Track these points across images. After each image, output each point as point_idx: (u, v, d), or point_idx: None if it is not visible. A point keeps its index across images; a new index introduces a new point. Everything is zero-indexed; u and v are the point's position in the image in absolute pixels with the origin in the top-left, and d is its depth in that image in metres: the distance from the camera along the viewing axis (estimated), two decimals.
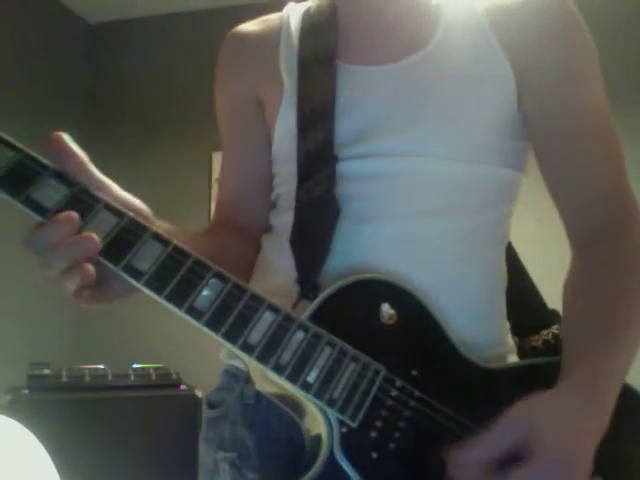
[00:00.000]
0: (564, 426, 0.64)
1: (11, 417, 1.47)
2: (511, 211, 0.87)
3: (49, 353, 2.51)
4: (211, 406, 0.89)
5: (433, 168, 0.80)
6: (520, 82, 0.81)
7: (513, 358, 0.84)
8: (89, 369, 2.26)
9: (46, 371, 2.18)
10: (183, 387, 2.26)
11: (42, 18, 3.03)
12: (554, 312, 0.86)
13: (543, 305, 0.89)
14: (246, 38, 0.94)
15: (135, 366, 2.32)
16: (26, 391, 2.07)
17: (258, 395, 0.81)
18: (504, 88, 0.81)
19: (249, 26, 0.96)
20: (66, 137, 0.66)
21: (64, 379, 2.16)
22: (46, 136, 0.64)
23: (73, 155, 0.66)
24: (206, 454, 0.87)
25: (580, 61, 0.82)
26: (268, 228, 0.91)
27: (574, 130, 0.81)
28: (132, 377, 2.25)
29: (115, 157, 3.15)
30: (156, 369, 2.31)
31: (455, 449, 0.65)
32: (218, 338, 0.66)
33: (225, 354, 0.88)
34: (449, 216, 0.80)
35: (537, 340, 0.84)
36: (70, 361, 2.55)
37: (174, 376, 2.29)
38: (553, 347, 0.81)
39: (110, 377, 2.22)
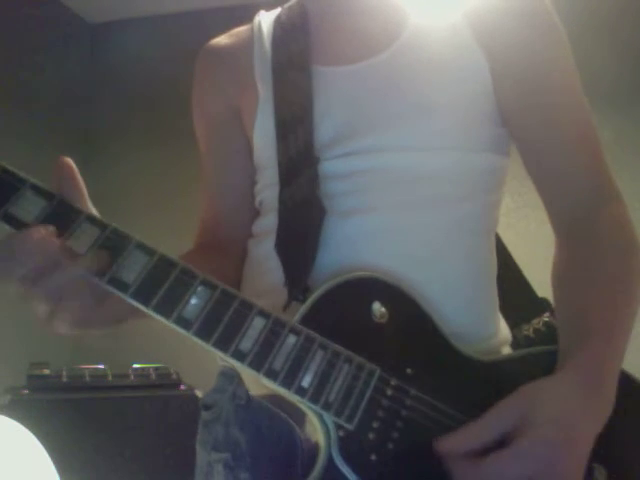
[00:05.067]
0: (562, 412, 0.64)
1: (11, 417, 1.47)
2: (499, 199, 0.88)
3: (49, 353, 2.50)
4: (206, 408, 0.89)
5: (414, 160, 0.80)
6: (493, 68, 0.81)
7: (507, 349, 0.84)
8: (89, 369, 2.25)
9: (46, 371, 2.17)
10: (183, 387, 2.25)
11: (42, 18, 3.03)
12: (544, 300, 0.86)
13: (532, 293, 0.89)
14: (219, 52, 0.95)
15: (135, 366, 2.32)
16: (26, 391, 2.06)
17: (250, 395, 0.81)
18: (478, 76, 0.81)
19: (221, 40, 0.97)
20: (72, 164, 0.65)
21: (64, 379, 2.16)
22: (51, 159, 0.63)
23: (76, 185, 0.65)
24: (201, 456, 0.87)
25: (549, 42, 0.83)
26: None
27: (549, 113, 0.82)
28: (132, 377, 2.24)
29: (115, 157, 3.16)
30: (156, 369, 2.31)
31: (443, 439, 0.66)
32: (209, 347, 0.66)
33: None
34: (434, 206, 0.80)
35: (529, 329, 0.84)
36: (70, 361, 2.55)
37: (174, 376, 2.28)
38: (546, 335, 0.82)
39: (110, 377, 2.22)
